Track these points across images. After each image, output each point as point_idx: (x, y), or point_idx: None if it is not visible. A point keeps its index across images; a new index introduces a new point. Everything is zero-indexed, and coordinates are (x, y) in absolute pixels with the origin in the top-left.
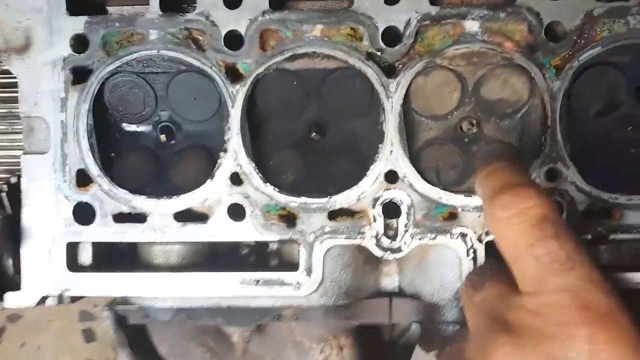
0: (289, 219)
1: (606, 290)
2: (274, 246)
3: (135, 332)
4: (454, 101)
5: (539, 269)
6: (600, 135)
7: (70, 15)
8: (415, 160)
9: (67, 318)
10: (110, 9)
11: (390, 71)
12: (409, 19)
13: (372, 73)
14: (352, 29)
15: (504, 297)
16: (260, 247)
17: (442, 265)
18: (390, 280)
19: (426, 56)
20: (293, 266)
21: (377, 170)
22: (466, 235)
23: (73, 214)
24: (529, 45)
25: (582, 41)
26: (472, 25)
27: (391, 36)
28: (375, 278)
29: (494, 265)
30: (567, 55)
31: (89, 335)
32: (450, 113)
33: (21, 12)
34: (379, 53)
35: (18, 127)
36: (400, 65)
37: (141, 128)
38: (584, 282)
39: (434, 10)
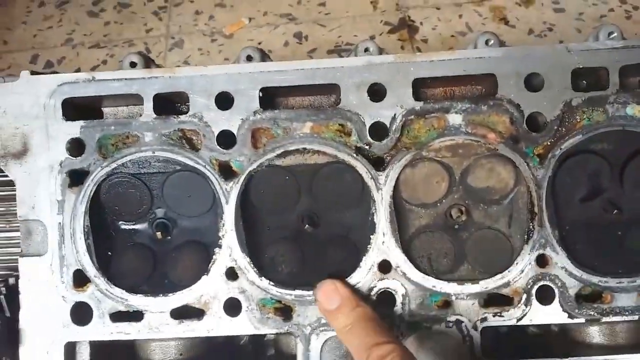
0: (285, 312)
1: None
2: (271, 336)
3: None
4: (442, 190)
5: None
6: (587, 219)
7: (67, 120)
8: (407, 249)
9: None
10: (105, 109)
11: (379, 164)
12: (395, 114)
13: (361, 167)
14: (340, 125)
15: None
16: (258, 337)
17: (439, 354)
18: None
19: (413, 149)
20: (291, 358)
21: (370, 260)
22: (461, 322)
23: (71, 314)
24: (511, 135)
25: (563, 129)
26: (455, 119)
27: (378, 131)
28: None
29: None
30: (549, 144)
31: None
32: (439, 201)
33: (19, 119)
34: (367, 147)
35: (16, 224)
36: (388, 158)
37: (137, 226)
38: None
39: (418, 105)
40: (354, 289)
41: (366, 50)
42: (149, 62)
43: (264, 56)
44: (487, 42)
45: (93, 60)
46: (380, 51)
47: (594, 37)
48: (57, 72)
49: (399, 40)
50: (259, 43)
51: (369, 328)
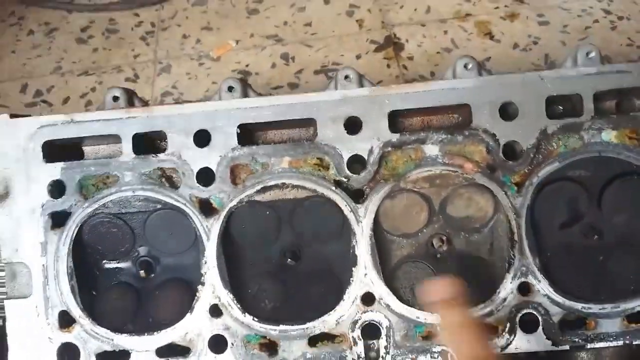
0: (270, 347)
1: None
2: None
3: None
4: (422, 220)
5: None
6: (568, 245)
7: (47, 162)
8: (390, 280)
9: None
10: (86, 148)
11: (358, 196)
12: (372, 147)
13: (340, 200)
14: (318, 159)
15: None
16: None
17: None
18: None
19: (391, 180)
20: None
21: (353, 293)
22: (447, 353)
23: (57, 355)
24: (488, 164)
25: (540, 157)
26: (432, 150)
27: (356, 164)
28: None
29: None
30: (526, 172)
31: None
32: (420, 231)
33: None
34: (346, 180)
35: (1, 266)
36: (367, 190)
37: (120, 264)
38: None
39: (394, 137)
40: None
41: (346, 77)
42: (131, 96)
43: (245, 86)
44: (465, 66)
45: (82, 88)
46: (360, 77)
47: (572, 58)
48: (46, 101)
49: (385, 59)
50: (247, 65)
51: (482, 336)
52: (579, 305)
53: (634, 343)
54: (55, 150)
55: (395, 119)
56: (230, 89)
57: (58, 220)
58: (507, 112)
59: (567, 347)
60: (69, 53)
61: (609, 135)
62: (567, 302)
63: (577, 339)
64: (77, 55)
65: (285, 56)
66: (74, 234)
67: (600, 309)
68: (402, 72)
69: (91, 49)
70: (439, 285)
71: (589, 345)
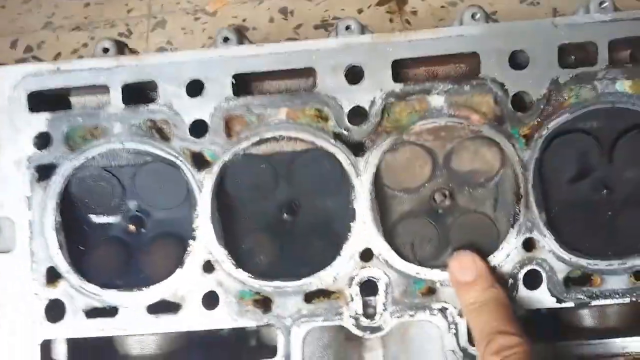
0: (264, 304)
1: None
2: (253, 327)
3: None
4: (425, 175)
5: None
6: (576, 200)
7: (32, 112)
8: (389, 235)
9: None
10: (74, 99)
11: (358, 149)
12: (374, 98)
13: (340, 153)
14: (317, 110)
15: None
16: (239, 328)
17: (424, 341)
18: (374, 355)
19: (394, 133)
20: (272, 349)
21: (351, 249)
22: (446, 309)
23: (44, 311)
24: (496, 116)
25: (550, 108)
26: (437, 100)
27: (357, 115)
28: (358, 354)
29: None
30: (535, 124)
31: None
32: (422, 186)
33: None
34: (345, 132)
35: None
36: (368, 143)
37: (110, 219)
38: None
39: (398, 87)
40: (491, 268)
41: (347, 28)
42: (122, 48)
43: (241, 37)
44: (473, 16)
45: (73, 44)
46: (362, 29)
47: (584, 7)
48: (37, 57)
49: (388, 13)
50: (244, 20)
51: (500, 312)
52: (584, 262)
53: None
54: (41, 101)
55: (399, 69)
56: (225, 39)
57: (44, 173)
58: (517, 60)
59: (571, 304)
60: (61, 8)
61: (624, 86)
62: (573, 259)
63: (581, 296)
64: (68, 10)
65: (284, 10)
66: (61, 188)
67: (606, 265)
68: (405, 26)
69: (83, 4)
70: (455, 266)
71: (593, 303)
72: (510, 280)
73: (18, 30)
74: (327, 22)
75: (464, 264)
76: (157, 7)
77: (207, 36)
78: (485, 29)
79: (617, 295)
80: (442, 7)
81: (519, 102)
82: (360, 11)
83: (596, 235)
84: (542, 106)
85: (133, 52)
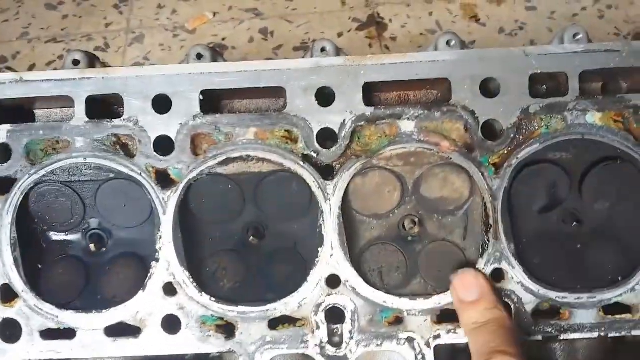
0: (228, 329)
1: None
2: (215, 353)
3: None
4: (394, 200)
5: None
6: (545, 231)
7: None
8: (357, 262)
9: None
10: (38, 112)
11: (327, 172)
12: (344, 120)
13: (308, 175)
14: (286, 131)
15: None
16: (201, 355)
17: None
18: None
19: (363, 157)
20: None
21: (318, 275)
22: (413, 340)
23: None
24: (466, 144)
25: (520, 138)
26: (407, 126)
27: (327, 138)
28: None
29: None
30: (505, 153)
31: None
32: (391, 212)
33: None
34: (315, 155)
35: None
36: (337, 166)
37: (69, 237)
38: None
39: (368, 111)
40: (495, 288)
41: (322, 50)
42: (93, 61)
43: (216, 55)
44: (448, 43)
45: (49, 56)
46: (338, 51)
47: (559, 38)
48: (11, 68)
49: (367, 38)
50: (223, 39)
51: (501, 333)
52: (553, 294)
53: (609, 335)
54: (3, 112)
55: (370, 93)
56: (199, 56)
57: (2, 186)
58: (488, 88)
59: (539, 337)
60: (38, 19)
61: (594, 118)
62: (542, 291)
63: (550, 329)
64: (46, 22)
65: (264, 31)
66: (19, 202)
67: (575, 299)
68: (384, 52)
69: (61, 16)
70: (459, 284)
71: (562, 336)
72: None
73: None
74: (307, 44)
75: (467, 282)
76: (136, 22)
77: (184, 53)
78: (457, 55)
79: (586, 330)
80: (421, 34)
81: (489, 130)
82: (340, 35)
83: (565, 267)
84: (512, 135)
85: (105, 66)
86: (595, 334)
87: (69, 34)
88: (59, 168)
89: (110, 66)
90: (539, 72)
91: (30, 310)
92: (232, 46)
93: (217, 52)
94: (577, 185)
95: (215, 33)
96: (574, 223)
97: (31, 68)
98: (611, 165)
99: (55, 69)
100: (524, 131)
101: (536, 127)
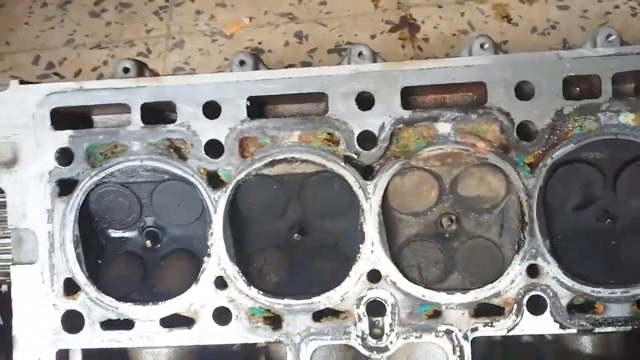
0: (274, 320)
1: None
2: (263, 343)
3: None
4: (432, 199)
5: None
6: (580, 228)
7: (55, 129)
8: (397, 258)
9: None
10: (95, 119)
11: (367, 173)
12: (383, 123)
13: (350, 176)
14: (328, 134)
15: None
16: (250, 344)
17: None
18: None
19: (402, 158)
20: None
21: (359, 270)
22: (452, 332)
23: (61, 322)
24: (501, 144)
25: (555, 138)
26: (444, 127)
27: (367, 140)
28: None
29: None
30: (540, 153)
31: None
32: (429, 210)
33: (8, 128)
34: (355, 156)
35: (8, 231)
36: (377, 167)
37: (127, 234)
38: None
39: (406, 114)
40: None
41: (359, 54)
42: (142, 68)
43: (257, 61)
44: (482, 46)
45: (94, 62)
46: (374, 55)
47: (591, 40)
48: (58, 74)
49: (400, 40)
50: (259, 43)
51: None
52: (588, 289)
53: None
54: (64, 118)
55: (408, 97)
56: (241, 63)
57: (65, 187)
58: (523, 91)
59: (574, 330)
60: (82, 26)
61: (627, 118)
62: (576, 286)
63: (585, 323)
64: (89, 29)
65: (299, 34)
66: (81, 202)
67: (609, 294)
68: (416, 53)
69: (104, 23)
70: None
71: (596, 330)
72: (515, 306)
73: (40, 47)
74: (341, 46)
75: None
76: (176, 28)
77: (223, 57)
78: (493, 59)
79: (620, 323)
80: (454, 35)
81: (524, 131)
82: (373, 37)
83: (599, 263)
84: (546, 136)
85: (153, 72)
86: (629, 328)
87: (112, 40)
88: (118, 170)
89: (157, 72)
90: (572, 75)
91: (92, 302)
92: (269, 50)
93: (258, 58)
94: (611, 183)
95: (251, 37)
96: (608, 220)
97: (77, 74)
98: None
99: (101, 74)
100: (558, 132)
101: (570, 128)
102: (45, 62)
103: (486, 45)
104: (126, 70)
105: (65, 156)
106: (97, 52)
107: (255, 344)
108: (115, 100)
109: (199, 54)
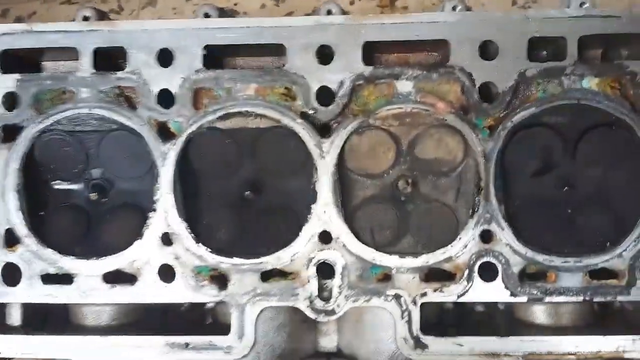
0: (221, 280)
1: None
2: (210, 304)
3: None
4: (389, 160)
5: None
6: (536, 195)
7: (3, 73)
8: (350, 219)
9: None
10: (46, 64)
11: (324, 130)
12: (343, 79)
13: (305, 133)
14: (286, 88)
15: None
16: (198, 304)
17: (377, 327)
18: (328, 340)
19: (360, 116)
20: (226, 327)
21: (311, 230)
22: (400, 297)
23: (0, 274)
24: (462, 106)
25: (517, 101)
26: (405, 86)
27: (325, 96)
28: (313, 337)
29: None
30: (501, 116)
31: None
32: (386, 172)
33: None
34: (312, 112)
35: None
36: (334, 125)
37: (72, 186)
38: None
39: (367, 70)
40: None
41: (329, 12)
42: (103, 17)
43: (224, 16)
44: (454, 8)
45: (63, 17)
46: (344, 15)
47: (566, 4)
48: None
49: (379, 7)
50: (235, 4)
51: None
52: (540, 257)
53: (594, 300)
54: (13, 61)
55: (371, 53)
56: (206, 16)
57: (9, 133)
58: (487, 51)
59: (524, 299)
60: None
61: (590, 83)
62: (529, 253)
63: (536, 292)
64: None
65: None
66: (25, 150)
67: (562, 262)
68: None
69: None
70: None
71: (547, 299)
72: (466, 271)
73: (9, 1)
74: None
75: None
76: None
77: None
78: (458, 17)
79: (571, 293)
80: (433, 4)
81: (486, 92)
82: (352, 2)
83: (554, 231)
84: (508, 98)
85: None
86: (580, 298)
87: None
88: (65, 117)
89: None
90: (538, 36)
91: (32, 255)
92: (244, 12)
93: (226, 13)
94: (571, 150)
95: None
96: (565, 187)
97: None
98: (606, 131)
99: None
100: (521, 95)
101: (533, 92)
102: (14, 16)
103: (458, 8)
104: (86, 19)
105: (11, 101)
106: (67, 8)
107: (204, 304)
108: (65, 43)
109: (172, 13)
